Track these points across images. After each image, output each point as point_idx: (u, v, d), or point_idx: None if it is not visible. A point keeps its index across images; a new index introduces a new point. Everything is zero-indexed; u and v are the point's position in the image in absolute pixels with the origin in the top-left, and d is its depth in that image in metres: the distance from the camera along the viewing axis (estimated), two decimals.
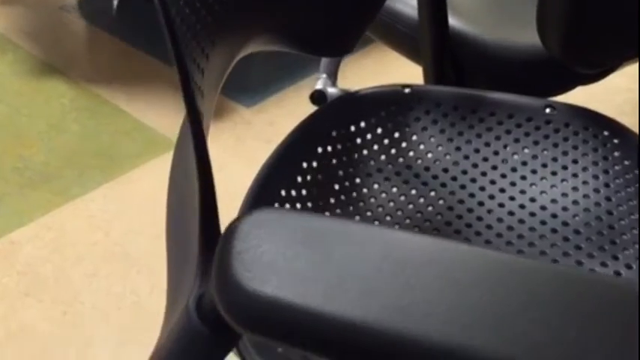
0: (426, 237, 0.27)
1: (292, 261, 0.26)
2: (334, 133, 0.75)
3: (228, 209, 1.61)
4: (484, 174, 0.72)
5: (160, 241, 1.44)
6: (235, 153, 1.65)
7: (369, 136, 0.76)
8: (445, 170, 0.73)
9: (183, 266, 0.41)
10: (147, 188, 1.56)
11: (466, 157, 0.74)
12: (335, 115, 0.77)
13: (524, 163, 0.72)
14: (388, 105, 0.78)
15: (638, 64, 0.93)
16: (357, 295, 0.25)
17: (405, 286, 0.25)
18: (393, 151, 0.75)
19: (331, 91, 1.03)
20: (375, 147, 0.75)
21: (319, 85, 1.03)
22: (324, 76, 1.03)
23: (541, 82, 1.00)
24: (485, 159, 0.73)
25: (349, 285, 0.25)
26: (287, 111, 1.72)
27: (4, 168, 1.61)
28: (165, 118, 1.74)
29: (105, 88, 1.84)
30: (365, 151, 0.75)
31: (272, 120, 1.70)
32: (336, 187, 0.71)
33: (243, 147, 1.68)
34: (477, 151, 0.74)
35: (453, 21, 0.96)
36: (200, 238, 0.36)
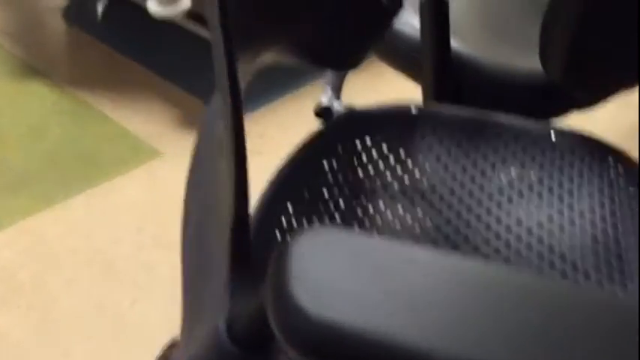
0: (490, 264, 0.27)
1: (354, 284, 0.25)
2: (340, 149, 0.74)
3: None
4: (491, 197, 0.72)
5: (143, 250, 1.41)
6: None
7: (375, 153, 0.75)
8: (452, 191, 0.73)
9: (204, 282, 0.40)
10: (131, 196, 1.53)
11: (472, 179, 0.73)
12: (341, 130, 0.76)
13: (531, 188, 0.72)
14: (395, 122, 0.77)
15: (638, 92, 0.94)
16: (422, 323, 0.24)
17: (471, 315, 0.24)
18: (399, 169, 0.74)
19: (336, 105, 1.02)
20: (381, 164, 0.75)
21: (324, 99, 1.03)
22: (329, 90, 1.02)
23: (538, 106, 1.01)
24: (492, 181, 0.73)
25: (413, 312, 0.24)
26: (278, 123, 1.71)
27: None
28: (151, 126, 1.72)
29: (89, 92, 1.81)
30: (371, 168, 0.74)
31: (262, 132, 1.69)
32: (342, 203, 0.70)
33: None
34: (483, 173, 0.74)
35: (454, 42, 0.97)
36: (230, 253, 0.35)
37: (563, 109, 1.02)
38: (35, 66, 1.90)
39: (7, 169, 1.57)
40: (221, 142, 0.38)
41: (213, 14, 0.38)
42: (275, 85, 1.82)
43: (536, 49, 0.93)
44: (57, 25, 2.11)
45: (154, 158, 1.63)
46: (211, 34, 0.40)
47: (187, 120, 1.76)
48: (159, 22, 1.72)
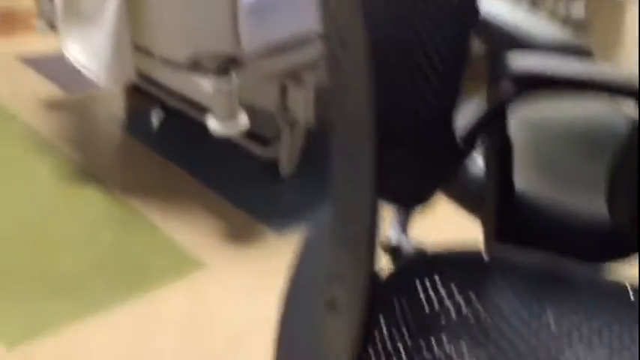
0: None
1: None
2: (409, 285, 0.74)
3: (260, 341, 1.55)
4: (561, 351, 0.69)
5: None
6: (263, 284, 1.62)
7: (443, 292, 0.74)
8: (522, 338, 0.71)
9: None
10: (173, 308, 1.52)
11: (545, 327, 0.72)
12: (414, 273, 0.76)
13: (608, 345, 0.70)
14: (466, 267, 0.77)
15: None
16: None
17: None
18: (467, 311, 0.73)
19: (403, 241, 1.03)
20: (449, 304, 0.74)
21: (392, 235, 1.04)
22: (397, 225, 1.04)
23: (599, 249, 1.00)
24: (564, 331, 0.71)
25: None
26: None
27: (31, 272, 1.58)
28: (197, 237, 1.74)
29: (140, 200, 1.84)
30: (437, 307, 0.73)
31: None
32: (409, 341, 0.69)
33: (273, 278, 1.65)
34: (555, 321, 0.72)
35: (518, 181, 0.97)
36: None
37: (624, 253, 1.01)
38: (91, 172, 1.96)
39: (55, 273, 1.59)
40: (334, 299, 0.38)
41: (361, 138, 0.39)
42: (317, 200, 1.84)
43: (599, 191, 0.93)
44: (115, 133, 2.19)
45: (198, 270, 1.64)
46: (347, 161, 0.41)
47: (233, 233, 1.77)
48: (212, 135, 1.77)
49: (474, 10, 0.83)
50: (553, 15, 3.09)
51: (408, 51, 0.76)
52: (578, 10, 3.21)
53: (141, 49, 1.79)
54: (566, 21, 3.08)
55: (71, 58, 1.86)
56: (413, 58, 0.76)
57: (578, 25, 3.25)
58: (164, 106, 2.19)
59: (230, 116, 1.68)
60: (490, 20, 0.91)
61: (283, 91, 1.88)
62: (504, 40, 0.88)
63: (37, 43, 2.52)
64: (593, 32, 3.32)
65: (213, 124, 1.69)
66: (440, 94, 0.76)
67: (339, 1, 0.54)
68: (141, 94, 2.17)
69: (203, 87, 1.70)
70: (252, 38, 1.67)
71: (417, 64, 0.77)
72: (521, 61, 0.75)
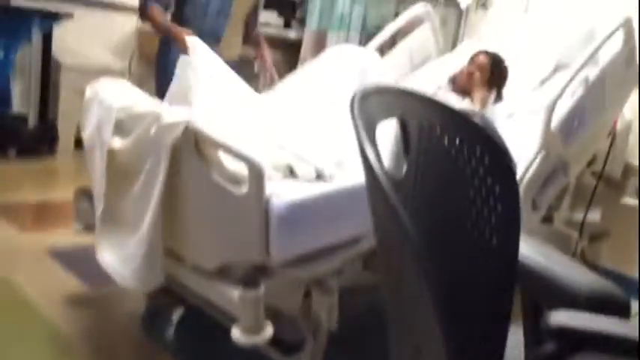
0: None
1: None
2: None
3: None
4: None
5: None
6: None
7: None
8: None
9: None
10: None
11: None
12: None
13: None
14: None
15: None
16: None
17: None
18: None
19: None
20: None
21: None
22: None
23: None
24: None
25: None
26: None
27: None
28: None
29: None
30: None
31: None
32: None
33: None
34: None
35: None
36: None
37: None
38: None
39: None
40: None
41: None
42: None
43: None
44: (134, 333, 2.16)
45: None
46: None
47: None
48: (232, 338, 1.73)
49: (514, 254, 0.85)
50: (569, 223, 3.14)
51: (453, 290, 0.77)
52: (594, 217, 3.27)
53: (171, 254, 1.82)
54: (583, 228, 3.13)
55: (103, 263, 1.89)
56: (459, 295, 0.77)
57: (594, 231, 3.29)
58: (185, 304, 2.18)
59: (255, 327, 1.66)
60: (528, 266, 0.93)
61: (307, 296, 1.88)
62: (543, 289, 0.89)
63: (68, 235, 2.58)
64: (610, 238, 3.35)
65: (237, 334, 1.67)
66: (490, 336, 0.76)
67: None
68: (163, 291, 2.17)
69: (230, 296, 1.70)
70: (281, 249, 1.70)
71: (461, 300, 0.78)
72: (564, 321, 0.76)
